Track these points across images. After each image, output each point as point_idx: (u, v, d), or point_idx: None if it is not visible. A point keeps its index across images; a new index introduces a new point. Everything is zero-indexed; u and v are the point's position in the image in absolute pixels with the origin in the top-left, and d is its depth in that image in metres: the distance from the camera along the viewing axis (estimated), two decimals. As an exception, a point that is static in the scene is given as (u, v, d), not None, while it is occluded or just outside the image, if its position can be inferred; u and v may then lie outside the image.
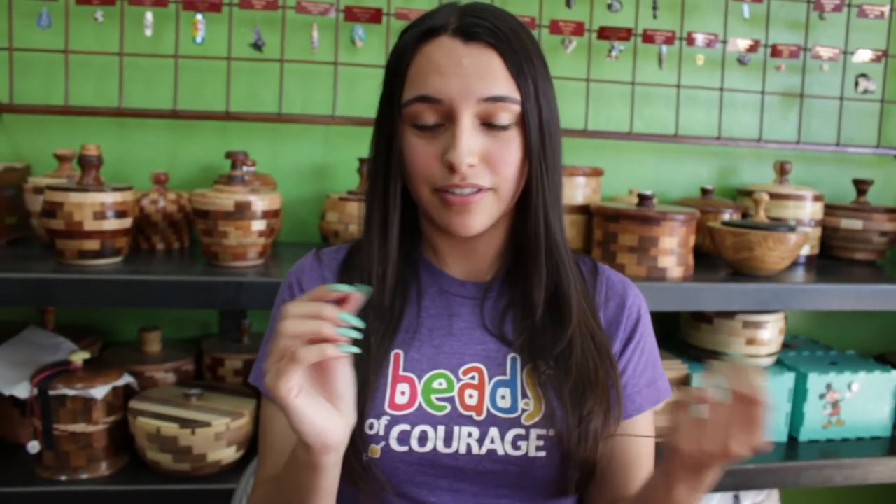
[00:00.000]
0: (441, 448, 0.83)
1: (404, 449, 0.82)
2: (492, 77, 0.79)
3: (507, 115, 0.80)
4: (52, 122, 1.63)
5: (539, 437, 0.84)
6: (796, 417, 1.65)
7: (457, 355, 0.87)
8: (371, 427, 0.82)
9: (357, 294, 0.70)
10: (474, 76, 0.79)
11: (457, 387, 0.85)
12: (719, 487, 1.55)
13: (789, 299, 1.50)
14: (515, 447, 0.84)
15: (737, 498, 1.82)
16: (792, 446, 1.64)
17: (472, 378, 0.86)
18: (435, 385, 0.85)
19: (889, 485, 1.64)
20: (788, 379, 1.61)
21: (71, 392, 1.34)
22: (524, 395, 0.85)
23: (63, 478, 1.36)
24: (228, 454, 1.38)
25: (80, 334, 1.58)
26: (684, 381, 1.58)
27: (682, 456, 0.74)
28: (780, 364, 1.68)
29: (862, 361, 1.74)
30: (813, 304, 1.53)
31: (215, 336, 1.67)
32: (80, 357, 1.38)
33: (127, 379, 1.42)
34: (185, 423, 1.34)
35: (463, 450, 0.83)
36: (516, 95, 0.80)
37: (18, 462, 1.41)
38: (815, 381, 1.62)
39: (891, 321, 2.04)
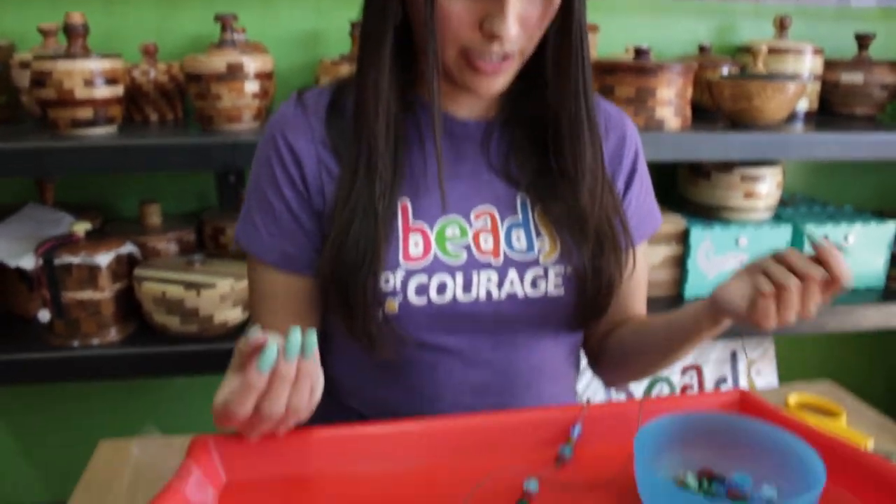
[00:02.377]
0: (460, 296, 0.82)
1: (423, 301, 0.81)
2: None
3: None
4: (35, -3, 1.58)
5: (557, 275, 0.84)
6: (793, 269, 1.66)
7: (467, 199, 0.85)
8: (387, 281, 0.80)
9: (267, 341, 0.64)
10: None
11: (470, 232, 0.83)
12: (717, 338, 1.58)
13: (787, 149, 1.49)
14: (535, 287, 0.84)
15: (734, 354, 1.86)
16: (788, 296, 1.66)
17: (485, 222, 0.84)
18: (448, 233, 0.83)
19: (882, 331, 1.67)
20: (785, 231, 1.62)
21: (76, 260, 1.34)
22: (539, 235, 0.85)
23: (75, 343, 1.38)
24: (234, 315, 1.40)
25: (81, 210, 1.58)
26: (682, 235, 1.59)
27: (739, 318, 0.77)
28: (778, 218, 1.69)
29: (858, 214, 1.74)
30: (812, 154, 1.52)
31: (214, 208, 1.67)
32: (82, 228, 1.38)
33: (130, 247, 1.43)
34: (189, 285, 1.36)
35: (483, 296, 0.83)
36: None
37: (31, 332, 1.44)
38: (812, 233, 1.63)
39: (888, 177, 2.04)
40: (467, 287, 0.82)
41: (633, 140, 0.95)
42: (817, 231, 1.63)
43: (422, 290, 0.81)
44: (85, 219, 1.55)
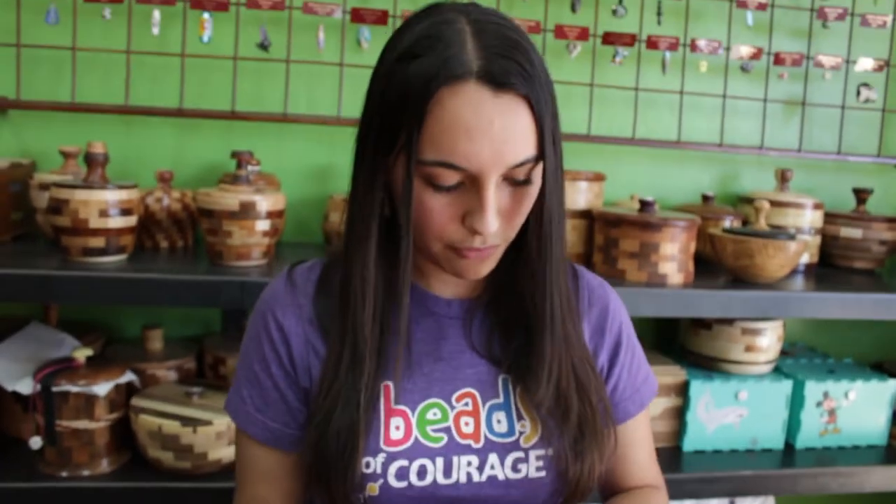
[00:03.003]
0: (441, 480, 0.82)
1: (403, 485, 0.81)
2: (522, 139, 0.72)
3: (528, 171, 0.74)
4: (58, 119, 1.63)
5: (538, 458, 0.84)
6: (793, 425, 1.66)
7: (449, 381, 0.85)
8: (368, 466, 0.80)
9: None
10: (506, 141, 0.71)
11: (451, 416, 0.83)
12: (717, 494, 1.56)
13: (788, 307, 1.51)
14: (516, 470, 0.83)
15: (733, 504, 1.83)
16: (788, 453, 1.65)
17: (466, 405, 0.84)
18: (429, 416, 0.83)
19: (885, 493, 1.65)
20: (786, 386, 1.62)
21: (74, 389, 1.34)
22: (520, 418, 0.85)
23: (64, 474, 1.36)
24: (229, 453, 1.38)
25: (83, 331, 1.59)
26: (682, 387, 1.59)
27: None
28: (778, 371, 1.69)
29: (859, 370, 1.74)
30: (812, 313, 1.53)
31: (217, 334, 1.68)
32: (83, 354, 1.38)
33: (129, 376, 1.42)
34: (186, 421, 1.35)
35: (463, 479, 0.82)
36: (538, 152, 0.73)
37: (20, 457, 1.41)
38: (813, 389, 1.63)
39: (888, 330, 2.05)
40: (447, 471, 0.82)
41: (616, 312, 0.95)
42: (817, 388, 1.63)
43: (402, 473, 0.81)
44: (87, 339, 1.56)
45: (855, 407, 1.66)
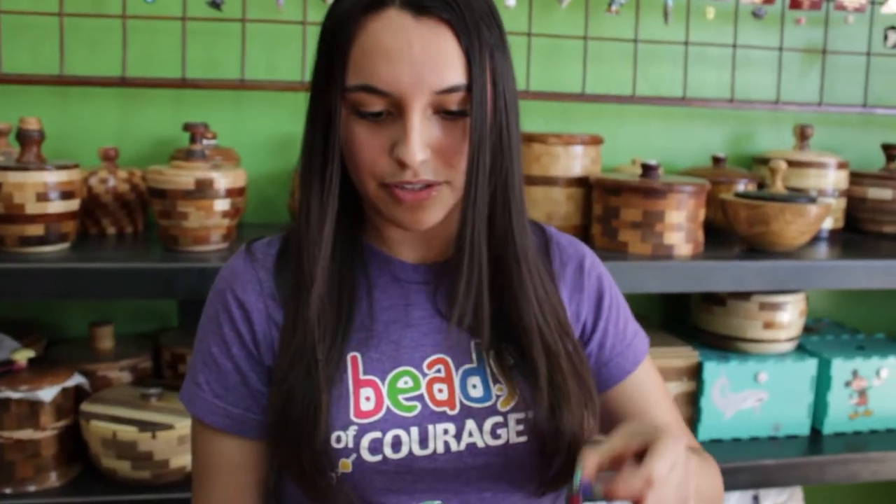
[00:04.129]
0: (417, 451, 0.86)
1: (377, 458, 0.85)
2: (446, 64, 0.78)
3: (461, 101, 0.80)
4: (-16, 93, 1.64)
5: (518, 422, 0.88)
6: (820, 408, 1.70)
7: (418, 349, 0.90)
8: (339, 440, 0.84)
9: None
10: (427, 64, 0.78)
11: (423, 383, 0.88)
12: (737, 486, 1.60)
13: (810, 278, 1.55)
14: (495, 436, 0.87)
15: (756, 498, 1.87)
16: (815, 439, 1.69)
17: (439, 371, 0.89)
18: (400, 384, 0.87)
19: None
20: (811, 366, 1.66)
21: (15, 395, 1.36)
22: (496, 381, 0.89)
23: (8, 491, 1.38)
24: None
25: (23, 331, 1.60)
26: (695, 370, 1.63)
27: None
28: (802, 349, 1.72)
29: (891, 345, 1.78)
30: (837, 283, 1.57)
31: (175, 330, 1.70)
32: (24, 356, 1.40)
33: (78, 379, 1.44)
34: (144, 425, 1.37)
35: (441, 449, 0.86)
36: (468, 81, 0.79)
37: (-42, 474, 1.44)
38: (840, 368, 1.67)
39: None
40: (423, 441, 0.86)
41: (593, 266, 1.00)
42: (845, 366, 1.67)
43: (376, 446, 0.85)
44: (28, 340, 1.57)
45: (888, 386, 1.70)
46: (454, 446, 0.87)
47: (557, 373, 0.88)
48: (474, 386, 0.89)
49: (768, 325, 1.64)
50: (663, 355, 1.62)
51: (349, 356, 0.88)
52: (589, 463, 0.74)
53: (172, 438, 1.38)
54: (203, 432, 0.93)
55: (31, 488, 1.39)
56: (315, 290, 0.86)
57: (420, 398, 0.88)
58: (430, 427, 0.87)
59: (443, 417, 0.87)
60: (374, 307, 0.90)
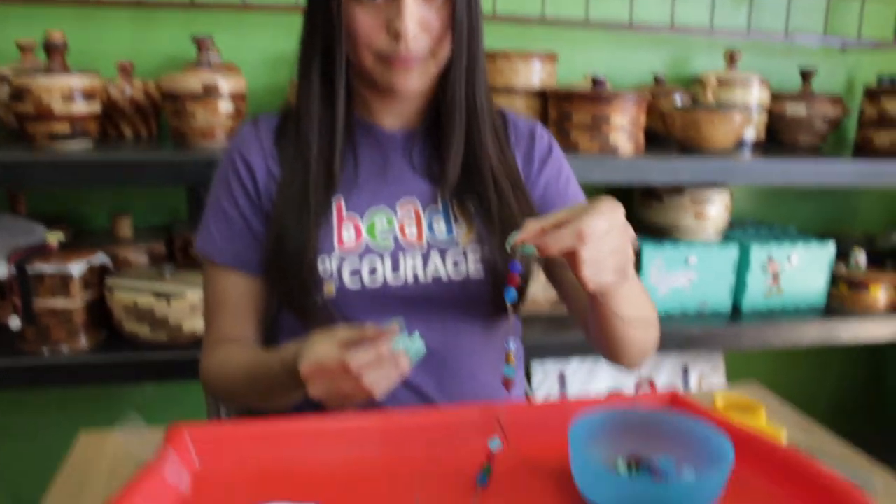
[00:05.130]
0: (391, 280, 0.94)
1: (357, 285, 0.93)
2: None
3: None
4: (12, 14, 1.65)
5: (476, 259, 0.95)
6: (740, 288, 1.78)
7: (393, 194, 0.98)
8: (323, 263, 0.92)
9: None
10: None
11: (396, 221, 0.96)
12: (669, 349, 1.68)
13: (734, 174, 1.61)
14: (457, 269, 0.95)
15: (686, 371, 1.96)
16: (735, 314, 1.78)
17: (409, 213, 0.97)
18: (377, 222, 0.96)
19: (822, 348, 1.78)
20: (733, 251, 1.74)
21: (48, 269, 1.41)
22: (457, 221, 0.97)
23: (45, 351, 1.44)
24: (203, 324, 1.46)
25: (52, 222, 1.64)
26: (636, 254, 1.69)
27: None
28: (726, 238, 1.81)
29: (801, 236, 1.86)
30: (755, 179, 1.64)
31: (185, 221, 1.74)
32: (55, 238, 1.45)
33: (102, 258, 1.49)
34: (160, 295, 1.43)
35: (410, 279, 0.95)
36: None
37: (1, 339, 1.49)
38: (758, 253, 1.75)
39: (831, 202, 2.17)
40: (395, 268, 0.94)
41: (542, 135, 1.06)
42: (762, 252, 1.74)
43: (355, 273, 0.93)
44: (56, 229, 1.61)
45: (797, 270, 1.79)
46: (422, 277, 0.95)
47: (507, 212, 0.95)
48: (438, 224, 0.97)
49: (698, 216, 1.71)
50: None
51: (335, 201, 0.96)
52: (529, 227, 0.74)
53: (185, 306, 1.43)
54: (214, 272, 1.00)
55: (65, 349, 1.45)
56: (309, 150, 0.94)
57: (394, 236, 0.96)
58: (402, 258, 0.95)
59: (412, 249, 0.95)
60: (359, 164, 0.98)
